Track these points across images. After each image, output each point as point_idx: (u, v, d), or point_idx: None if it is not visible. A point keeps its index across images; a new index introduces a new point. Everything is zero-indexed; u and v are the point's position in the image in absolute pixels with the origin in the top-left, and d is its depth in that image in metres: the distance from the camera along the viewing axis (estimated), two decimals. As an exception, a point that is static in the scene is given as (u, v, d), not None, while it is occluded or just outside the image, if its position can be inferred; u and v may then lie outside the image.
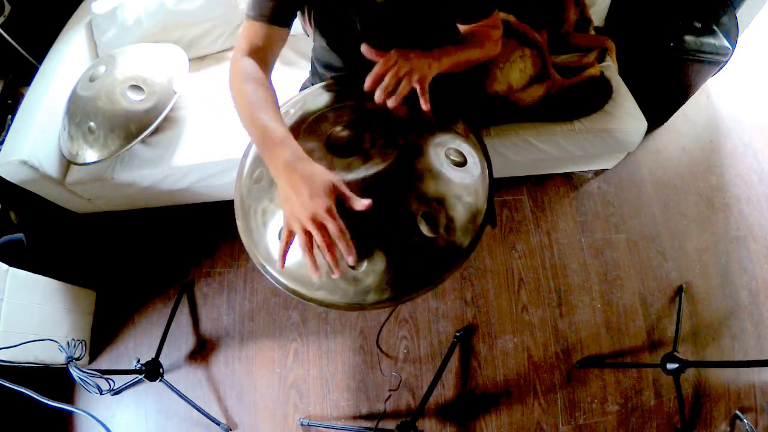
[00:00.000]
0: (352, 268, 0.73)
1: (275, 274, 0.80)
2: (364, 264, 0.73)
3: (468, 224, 0.79)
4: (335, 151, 0.82)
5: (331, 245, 0.70)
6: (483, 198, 0.83)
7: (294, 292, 0.79)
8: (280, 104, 0.90)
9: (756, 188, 1.97)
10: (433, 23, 1.04)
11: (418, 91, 0.85)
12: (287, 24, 0.97)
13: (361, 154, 0.80)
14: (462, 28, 1.05)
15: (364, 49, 0.86)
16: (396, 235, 0.73)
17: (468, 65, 1.03)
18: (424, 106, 0.85)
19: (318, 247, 0.70)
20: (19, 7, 1.89)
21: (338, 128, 0.86)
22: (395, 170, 0.76)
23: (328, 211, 0.70)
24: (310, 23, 1.08)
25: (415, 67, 0.85)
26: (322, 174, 0.73)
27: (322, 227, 0.70)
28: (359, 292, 0.74)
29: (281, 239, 0.74)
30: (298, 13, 1.04)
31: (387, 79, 0.83)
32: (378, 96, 0.83)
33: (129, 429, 1.68)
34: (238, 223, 0.87)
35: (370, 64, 1.11)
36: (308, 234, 0.70)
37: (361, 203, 0.71)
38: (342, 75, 1.21)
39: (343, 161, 0.80)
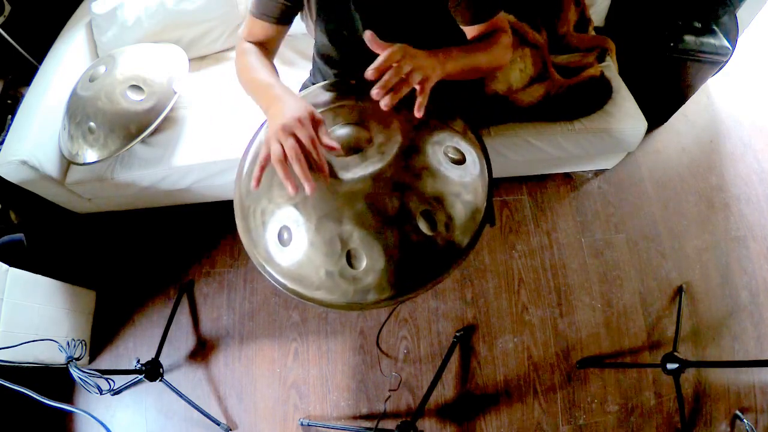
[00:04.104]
0: (330, 177, 0.76)
1: (275, 273, 0.80)
2: (364, 263, 0.73)
3: (467, 222, 0.78)
4: (334, 151, 0.81)
5: (299, 155, 0.71)
6: (482, 196, 0.83)
7: (293, 291, 0.79)
8: None
9: (756, 188, 1.98)
10: (435, 21, 1.03)
11: (418, 92, 0.78)
12: (287, 22, 1.06)
13: (360, 153, 0.80)
14: (468, 32, 1.02)
15: (368, 36, 0.77)
16: (395, 233, 0.73)
17: (476, 73, 0.97)
18: (418, 112, 0.77)
19: (289, 157, 0.71)
20: (19, 7, 1.89)
21: (337, 128, 0.86)
22: (394, 169, 0.76)
23: (299, 120, 0.74)
24: (311, 18, 1.08)
25: (420, 66, 0.78)
26: (301, 101, 0.80)
27: (292, 136, 0.73)
28: (359, 291, 0.74)
29: (258, 161, 0.75)
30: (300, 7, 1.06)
31: (387, 75, 0.75)
32: (376, 93, 0.74)
33: (129, 429, 1.68)
34: (238, 223, 0.87)
35: (370, 61, 1.12)
36: (283, 149, 0.72)
37: (328, 141, 0.75)
38: (342, 76, 1.22)
39: (341, 160, 0.80)
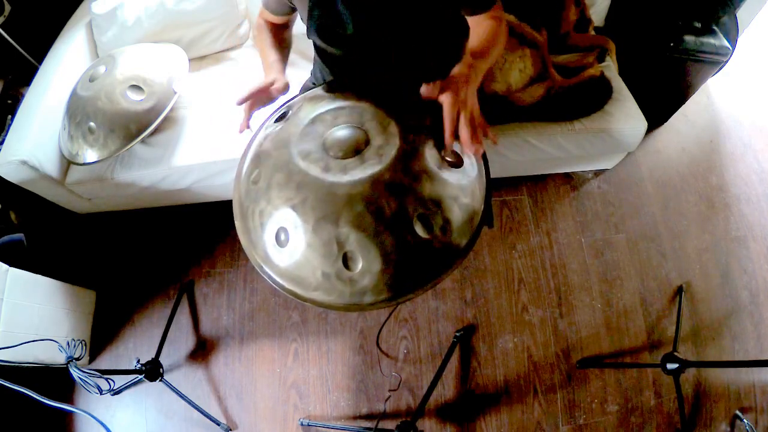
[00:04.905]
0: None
1: (272, 274, 0.80)
2: (360, 265, 0.73)
3: (464, 225, 0.78)
4: (332, 153, 0.81)
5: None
6: (480, 199, 0.83)
7: (291, 292, 0.79)
8: (278, 105, 1.00)
9: (756, 188, 1.97)
10: (423, 14, 1.03)
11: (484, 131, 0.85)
12: (289, 13, 1.17)
13: (358, 155, 0.80)
14: (470, 22, 1.04)
15: (424, 90, 0.83)
16: (392, 236, 0.73)
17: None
18: (495, 139, 0.88)
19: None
20: (19, 7, 1.90)
21: (336, 129, 0.86)
22: (392, 172, 0.76)
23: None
24: (304, 17, 1.09)
25: (473, 103, 0.84)
26: (268, 76, 1.04)
27: None
28: (356, 293, 0.74)
29: None
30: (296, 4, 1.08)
31: (465, 133, 0.80)
32: (473, 150, 0.81)
33: (129, 429, 1.68)
34: (237, 223, 0.87)
35: (366, 59, 1.12)
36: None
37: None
38: (341, 75, 1.22)
39: (339, 163, 0.80)
